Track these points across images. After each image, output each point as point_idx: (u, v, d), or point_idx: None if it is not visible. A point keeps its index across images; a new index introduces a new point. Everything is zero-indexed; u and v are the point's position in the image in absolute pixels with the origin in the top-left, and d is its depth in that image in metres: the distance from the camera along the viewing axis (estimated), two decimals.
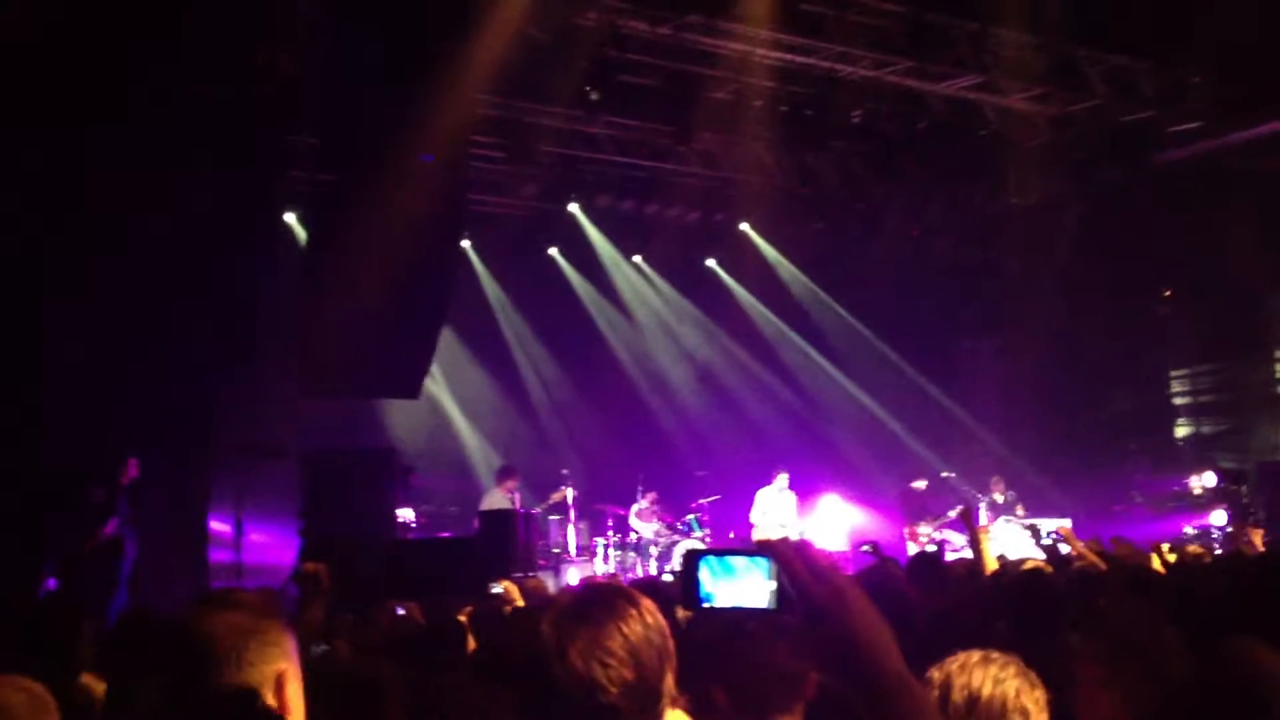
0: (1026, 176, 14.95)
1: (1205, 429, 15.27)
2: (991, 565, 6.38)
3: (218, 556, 10.96)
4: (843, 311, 17.03)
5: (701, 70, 12.34)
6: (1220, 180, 13.37)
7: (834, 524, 15.18)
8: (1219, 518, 12.87)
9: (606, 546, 13.97)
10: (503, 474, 13.29)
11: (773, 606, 1.53)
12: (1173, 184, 13.77)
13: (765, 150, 14.75)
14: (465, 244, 15.41)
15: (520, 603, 6.09)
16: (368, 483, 11.09)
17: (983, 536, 6.64)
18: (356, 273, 10.61)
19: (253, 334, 11.72)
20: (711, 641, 2.66)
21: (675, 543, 14.13)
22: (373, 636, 5.22)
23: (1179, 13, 11.47)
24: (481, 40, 10.57)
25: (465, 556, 10.80)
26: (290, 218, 13.86)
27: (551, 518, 14.17)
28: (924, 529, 13.89)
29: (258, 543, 11.43)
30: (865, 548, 9.38)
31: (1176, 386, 15.59)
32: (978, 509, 13.71)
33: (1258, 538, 8.40)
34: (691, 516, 14.51)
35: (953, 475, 15.50)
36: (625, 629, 1.90)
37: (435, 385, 15.00)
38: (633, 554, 14.16)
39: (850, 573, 2.21)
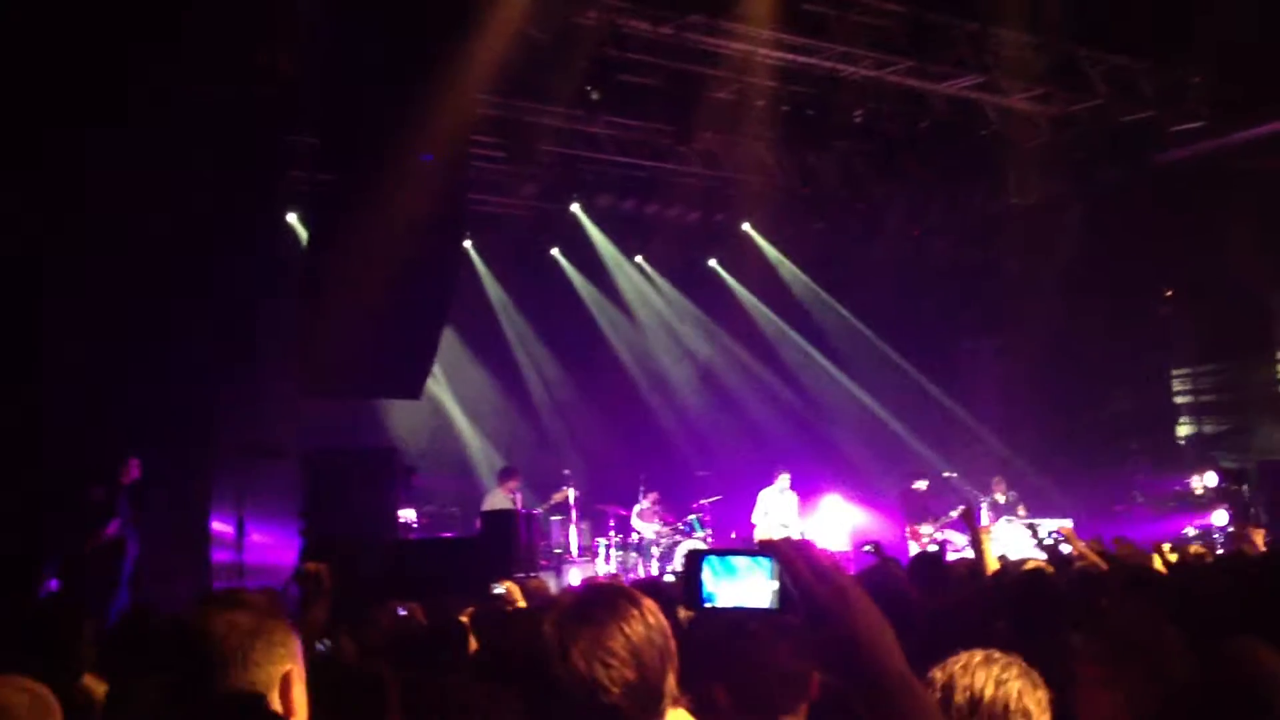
0: (1027, 176, 14.94)
1: (1206, 429, 15.26)
2: (993, 565, 6.38)
3: (219, 556, 10.98)
4: (844, 311, 17.03)
5: (703, 70, 12.33)
6: (1220, 180, 13.37)
7: (835, 524, 15.17)
8: (1220, 518, 12.86)
9: (608, 547, 13.97)
10: (504, 474, 13.29)
11: (775, 606, 1.53)
12: (1173, 184, 13.77)
13: (766, 150, 14.75)
14: (467, 244, 15.42)
15: (522, 603, 6.09)
16: (369, 483, 11.08)
17: (984, 537, 6.64)
18: (357, 273, 10.60)
19: (253, 334, 11.73)
20: (714, 641, 2.66)
21: (677, 543, 14.13)
22: (374, 637, 5.21)
23: (1179, 13, 11.46)
24: (481, 40, 10.56)
25: (467, 557, 10.79)
26: (290, 218, 13.87)
27: (553, 518, 14.18)
28: (925, 529, 13.90)
29: (259, 543, 11.44)
30: (867, 548, 9.37)
31: (1177, 386, 15.58)
32: (979, 509, 13.71)
33: (1259, 537, 8.41)
34: (693, 517, 14.50)
35: (954, 475, 15.51)
36: (627, 629, 1.90)
37: (437, 385, 15.00)
38: (634, 554, 14.16)
39: (851, 573, 2.21)
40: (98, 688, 3.85)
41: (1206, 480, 13.73)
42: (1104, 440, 15.69)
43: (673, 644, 1.96)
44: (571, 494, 13.88)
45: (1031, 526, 8.73)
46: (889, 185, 15.26)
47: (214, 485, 11.31)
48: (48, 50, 9.12)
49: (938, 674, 2.37)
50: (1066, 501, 14.51)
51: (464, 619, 5.26)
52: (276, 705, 2.15)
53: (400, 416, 14.47)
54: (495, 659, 4.15)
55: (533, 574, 9.78)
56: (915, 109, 13.51)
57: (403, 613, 5.94)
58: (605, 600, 1.95)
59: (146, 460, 10.39)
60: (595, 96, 11.83)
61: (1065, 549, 7.23)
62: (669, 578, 12.17)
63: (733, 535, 14.54)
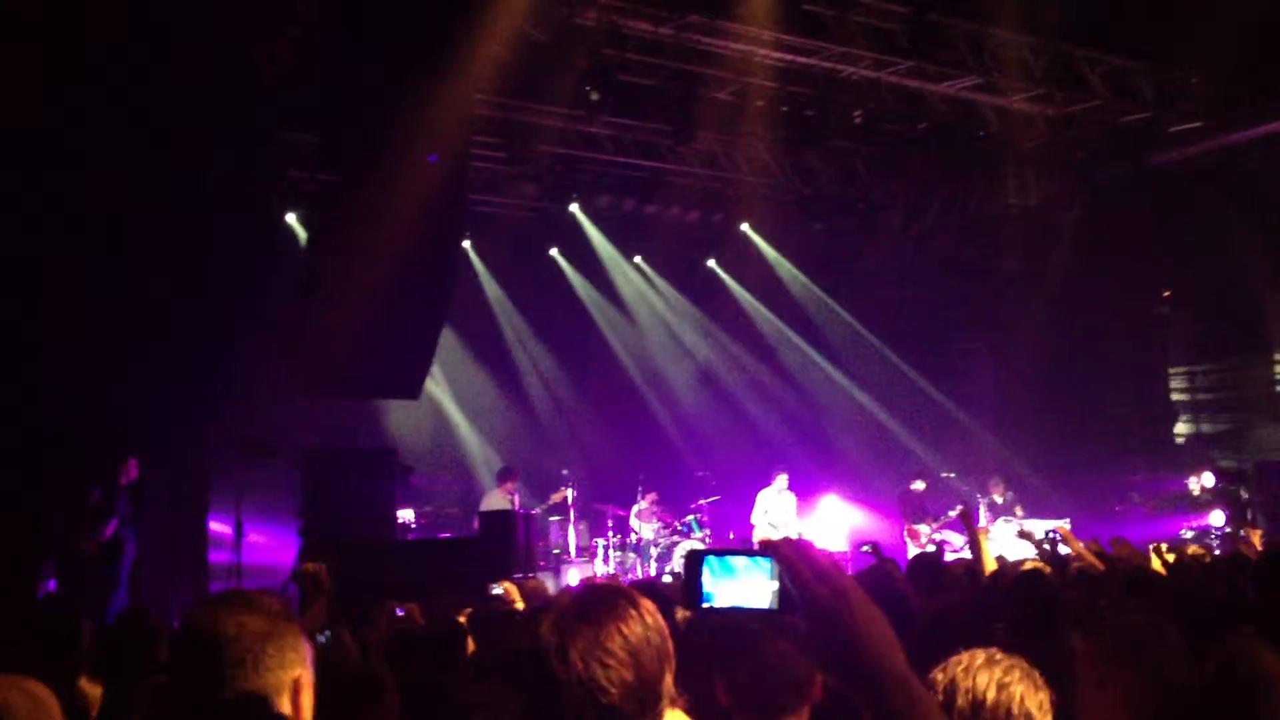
0: (1025, 177, 14.96)
1: (1204, 429, 15.26)
2: (990, 566, 6.39)
3: (217, 557, 10.98)
4: (843, 312, 17.04)
5: (702, 70, 12.34)
6: (1218, 180, 13.38)
7: (834, 524, 15.19)
8: (1218, 518, 12.87)
9: (606, 547, 13.97)
10: (503, 475, 13.29)
11: (775, 607, 1.53)
12: (1171, 184, 13.78)
13: (766, 150, 14.75)
14: (466, 244, 15.43)
15: (520, 604, 6.10)
16: (368, 483, 11.08)
17: (982, 537, 6.65)
18: (357, 273, 10.59)
19: (253, 334, 11.72)
20: (714, 642, 2.66)
21: (675, 543, 14.13)
22: (372, 637, 5.21)
23: (1179, 13, 11.47)
24: (481, 40, 10.56)
25: (465, 557, 10.80)
26: (290, 218, 13.87)
27: (552, 518, 14.18)
28: (923, 529, 13.91)
29: (257, 543, 11.44)
30: (865, 548, 9.36)
31: (1175, 386, 15.59)
32: (977, 509, 13.72)
33: (1256, 538, 8.41)
34: (691, 517, 14.51)
35: (952, 475, 15.51)
36: (625, 630, 1.90)
37: (436, 386, 15.00)
38: (633, 555, 14.16)
39: (850, 573, 2.21)
40: (92, 690, 3.84)
41: (1204, 480, 13.73)
42: (1102, 440, 15.70)
43: (670, 645, 1.97)
44: (570, 494, 13.88)
45: (1025, 534, 8.66)
46: (888, 185, 15.27)
47: (213, 486, 11.31)
48: (48, 49, 9.11)
49: (939, 675, 2.37)
50: (1064, 502, 14.50)
51: (462, 619, 5.27)
52: (286, 710, 2.10)
53: (399, 417, 14.47)
54: (493, 659, 4.16)
55: (531, 574, 9.78)
56: (914, 109, 13.51)
57: (401, 613, 5.95)
58: (603, 601, 1.96)
59: (146, 460, 10.39)
60: (595, 97, 11.82)
61: (1063, 549, 7.24)
62: (667, 578, 12.18)
63: (731, 536, 14.54)
